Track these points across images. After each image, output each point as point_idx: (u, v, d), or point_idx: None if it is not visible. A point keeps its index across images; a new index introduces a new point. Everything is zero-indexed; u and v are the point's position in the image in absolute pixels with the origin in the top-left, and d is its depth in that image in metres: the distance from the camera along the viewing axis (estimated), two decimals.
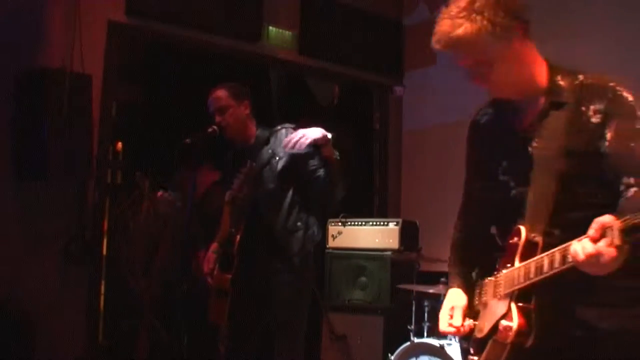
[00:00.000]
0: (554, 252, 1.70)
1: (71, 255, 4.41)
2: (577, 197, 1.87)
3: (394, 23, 6.45)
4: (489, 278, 1.99)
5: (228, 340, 3.59)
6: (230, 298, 3.42)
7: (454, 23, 1.86)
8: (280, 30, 5.68)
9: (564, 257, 1.66)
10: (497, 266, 1.96)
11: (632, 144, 1.80)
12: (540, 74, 1.97)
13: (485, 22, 1.84)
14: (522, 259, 1.84)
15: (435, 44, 1.92)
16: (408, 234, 5.13)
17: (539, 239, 1.83)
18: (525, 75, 1.96)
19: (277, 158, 3.47)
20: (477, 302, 2.06)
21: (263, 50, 5.57)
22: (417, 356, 4.26)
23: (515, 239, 1.89)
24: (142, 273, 4.81)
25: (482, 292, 2.03)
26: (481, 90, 2.03)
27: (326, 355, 4.93)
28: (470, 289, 2.11)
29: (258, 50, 5.53)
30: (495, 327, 1.87)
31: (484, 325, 1.96)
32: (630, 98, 1.84)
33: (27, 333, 4.06)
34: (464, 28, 1.84)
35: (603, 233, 1.56)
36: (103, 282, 4.72)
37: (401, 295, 4.62)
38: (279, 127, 3.60)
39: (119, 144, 5.32)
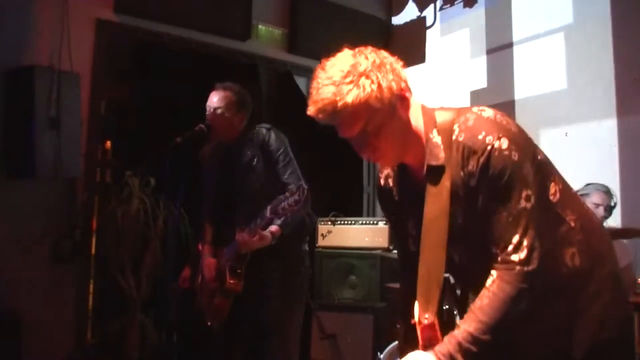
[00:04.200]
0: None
1: (60, 254, 4.40)
2: (470, 266, 1.81)
3: (383, 22, 6.47)
4: None
5: (220, 337, 3.58)
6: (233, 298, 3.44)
7: (339, 90, 1.69)
8: (270, 29, 5.68)
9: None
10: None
11: (489, 215, 1.72)
12: (420, 130, 1.83)
13: (373, 87, 1.70)
14: (424, 346, 1.76)
15: (317, 114, 1.72)
16: None
17: (432, 319, 1.76)
18: (410, 138, 1.82)
19: (256, 160, 3.46)
20: None
21: (252, 49, 5.57)
22: None
23: (413, 320, 1.80)
24: (132, 272, 4.79)
25: None
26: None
27: (316, 354, 4.93)
28: None
29: (247, 48, 5.53)
30: None
31: None
32: (505, 145, 1.69)
33: (15, 332, 4.04)
34: (352, 95, 1.68)
35: None
36: (92, 281, 4.69)
37: (391, 294, 4.62)
38: (256, 128, 3.59)
39: (108, 143, 5.29)
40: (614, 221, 4.25)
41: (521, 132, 1.79)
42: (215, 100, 3.51)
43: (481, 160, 1.70)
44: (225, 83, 3.58)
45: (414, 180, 1.90)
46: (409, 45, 6.31)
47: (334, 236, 5.29)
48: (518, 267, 1.67)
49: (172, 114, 5.14)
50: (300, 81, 6.23)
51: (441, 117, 1.83)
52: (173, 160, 3.20)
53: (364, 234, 5.19)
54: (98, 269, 4.76)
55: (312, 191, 3.53)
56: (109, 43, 4.78)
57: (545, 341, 1.81)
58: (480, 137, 1.71)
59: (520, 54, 5.43)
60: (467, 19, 5.87)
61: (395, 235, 2.14)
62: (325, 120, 1.73)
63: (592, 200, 4.12)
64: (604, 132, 4.73)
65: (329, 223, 5.33)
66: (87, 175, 4.55)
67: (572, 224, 1.83)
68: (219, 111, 3.47)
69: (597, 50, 4.85)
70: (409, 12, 6.37)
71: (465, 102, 5.69)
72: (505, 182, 1.69)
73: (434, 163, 1.79)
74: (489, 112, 1.79)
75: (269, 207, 3.17)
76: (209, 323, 3.55)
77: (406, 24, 6.38)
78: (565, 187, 1.87)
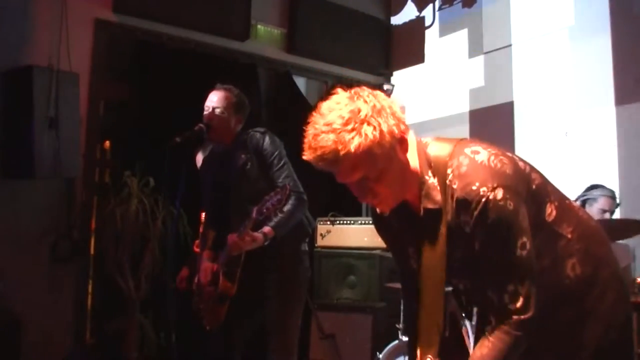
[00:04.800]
0: None
1: (59, 254, 4.39)
2: (475, 291, 1.82)
3: (382, 22, 6.47)
4: None
5: (220, 338, 3.58)
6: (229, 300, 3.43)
7: (341, 138, 1.63)
8: (269, 29, 5.68)
9: None
10: None
11: (485, 262, 1.72)
12: (417, 170, 1.80)
13: (375, 133, 1.65)
14: None
15: (317, 162, 1.68)
16: None
17: None
18: (409, 178, 1.79)
19: (249, 165, 3.45)
20: None
21: (252, 49, 5.57)
22: (405, 355, 4.26)
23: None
24: (131, 272, 4.78)
25: None
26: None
27: (315, 354, 4.93)
28: None
29: (247, 48, 5.53)
30: None
31: None
32: (500, 196, 1.66)
33: (14, 332, 4.03)
34: (354, 143, 1.63)
35: None
36: (91, 282, 4.69)
37: (390, 294, 4.62)
38: (250, 132, 3.57)
39: (107, 143, 5.30)
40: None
41: (516, 171, 1.75)
42: (214, 99, 3.50)
43: (475, 213, 1.68)
44: (226, 85, 3.58)
45: (411, 209, 1.87)
46: (408, 45, 6.31)
47: (333, 236, 5.29)
48: (515, 317, 1.68)
49: (171, 114, 5.14)
50: (299, 81, 6.24)
51: (434, 152, 1.80)
52: (172, 160, 3.19)
53: (363, 233, 5.18)
54: (97, 269, 4.76)
55: (311, 191, 3.53)
56: (107, 43, 4.77)
57: (553, 345, 1.83)
58: (474, 187, 1.68)
59: (518, 54, 5.43)
60: (466, 19, 5.87)
61: (394, 257, 2.12)
62: (325, 167, 1.69)
63: (599, 206, 4.12)
64: (604, 131, 4.74)
65: (328, 223, 5.33)
66: (85, 175, 4.54)
67: (570, 236, 1.84)
68: (217, 110, 3.47)
69: (596, 50, 4.86)
70: (408, 12, 6.37)
71: (464, 102, 5.69)
72: (501, 233, 1.67)
73: (430, 206, 1.77)
74: (482, 155, 1.75)
75: (255, 208, 3.18)
76: (207, 327, 3.55)
77: (405, 24, 6.39)
78: (560, 202, 1.87)
